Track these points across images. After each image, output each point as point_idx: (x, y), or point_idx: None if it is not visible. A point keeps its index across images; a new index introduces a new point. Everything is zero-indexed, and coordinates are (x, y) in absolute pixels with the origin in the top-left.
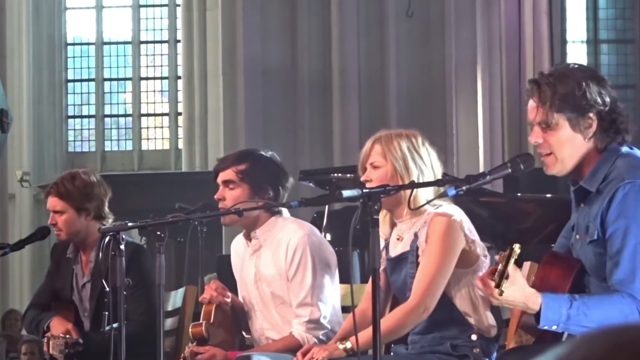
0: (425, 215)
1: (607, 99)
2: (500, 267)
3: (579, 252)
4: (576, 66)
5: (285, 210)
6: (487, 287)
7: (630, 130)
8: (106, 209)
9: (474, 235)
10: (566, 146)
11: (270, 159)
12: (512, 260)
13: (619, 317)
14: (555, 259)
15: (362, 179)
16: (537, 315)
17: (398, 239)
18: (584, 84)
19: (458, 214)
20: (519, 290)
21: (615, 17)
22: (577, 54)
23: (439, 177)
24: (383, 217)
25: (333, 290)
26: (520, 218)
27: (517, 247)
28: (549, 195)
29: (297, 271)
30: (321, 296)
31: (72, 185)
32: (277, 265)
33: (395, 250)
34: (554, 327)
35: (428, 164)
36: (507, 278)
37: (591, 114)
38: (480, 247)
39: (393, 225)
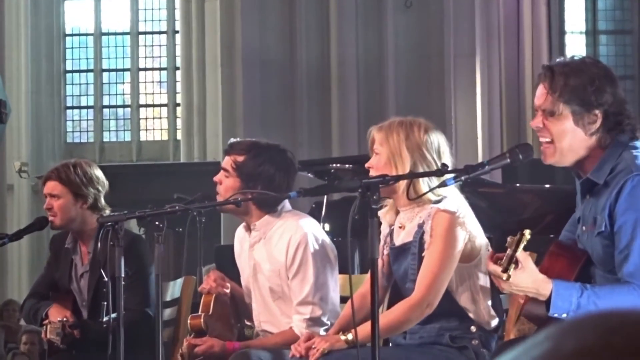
0: (429, 209)
1: (617, 100)
2: (509, 251)
3: (586, 243)
4: (592, 61)
5: (287, 203)
6: (494, 272)
7: (638, 130)
8: (103, 200)
9: (476, 229)
10: (566, 137)
11: (272, 159)
12: (522, 246)
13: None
14: (561, 248)
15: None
16: (547, 303)
17: (400, 227)
18: (596, 80)
19: (462, 207)
20: (529, 276)
21: (614, 7)
22: (575, 44)
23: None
24: (391, 204)
25: (334, 285)
26: (518, 209)
27: (527, 233)
28: (547, 186)
29: (299, 269)
30: (323, 294)
31: (72, 172)
32: (276, 261)
33: (398, 239)
34: (564, 315)
35: (428, 155)
36: (515, 263)
37: (597, 111)
38: (482, 242)
39: (398, 212)
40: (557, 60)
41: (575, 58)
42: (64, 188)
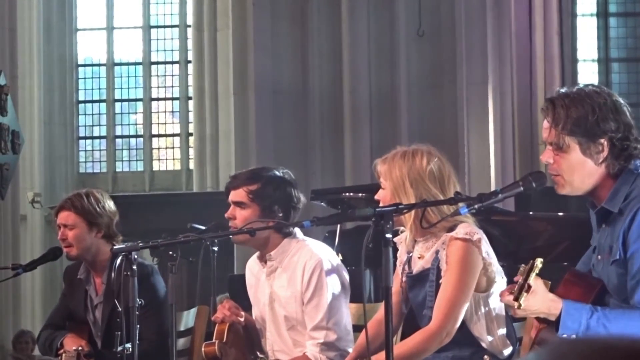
0: (444, 237)
1: (621, 126)
2: (520, 280)
3: (601, 272)
4: (594, 88)
5: (298, 230)
6: (507, 302)
7: None
8: (115, 229)
9: (491, 258)
10: (576, 170)
11: (283, 179)
12: (534, 274)
13: (638, 334)
14: (576, 277)
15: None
16: (557, 324)
17: (419, 257)
18: (597, 109)
19: (477, 235)
20: (540, 298)
21: (626, 35)
22: (588, 72)
23: (451, 195)
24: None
25: (347, 311)
26: (532, 237)
27: (539, 262)
28: (560, 214)
29: (313, 294)
30: (336, 319)
31: (85, 201)
32: (292, 288)
33: (416, 267)
34: (573, 336)
35: (432, 186)
36: (527, 291)
37: (602, 140)
38: (496, 270)
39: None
40: (559, 91)
41: (577, 88)
42: (77, 217)
